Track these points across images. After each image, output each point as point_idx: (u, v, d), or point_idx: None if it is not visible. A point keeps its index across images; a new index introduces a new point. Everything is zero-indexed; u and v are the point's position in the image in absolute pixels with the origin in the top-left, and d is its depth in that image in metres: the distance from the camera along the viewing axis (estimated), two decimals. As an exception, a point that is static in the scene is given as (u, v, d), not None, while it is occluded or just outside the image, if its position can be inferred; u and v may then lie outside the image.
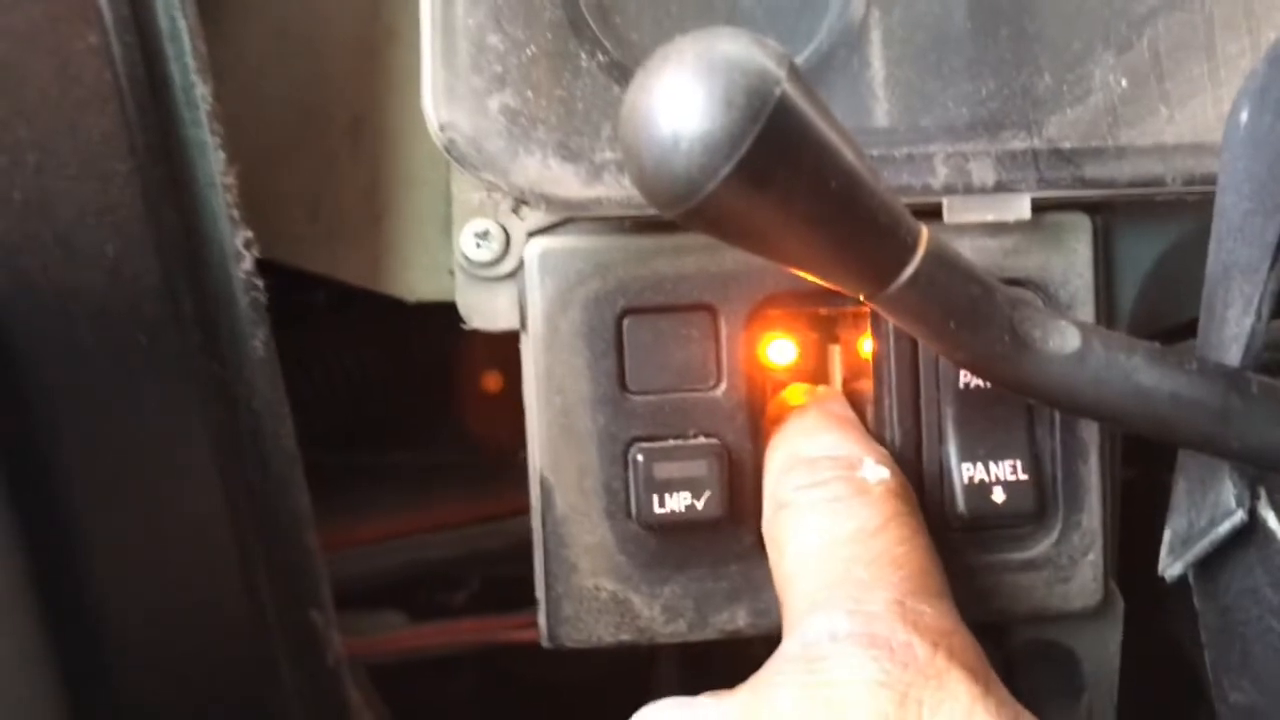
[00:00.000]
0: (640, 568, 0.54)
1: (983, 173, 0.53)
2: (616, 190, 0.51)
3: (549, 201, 0.52)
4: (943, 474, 0.54)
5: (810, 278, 0.44)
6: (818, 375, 0.56)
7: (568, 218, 0.53)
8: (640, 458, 0.53)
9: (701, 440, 0.53)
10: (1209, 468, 0.46)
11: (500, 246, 0.54)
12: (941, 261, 0.43)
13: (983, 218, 0.53)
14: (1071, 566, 0.56)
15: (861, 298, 0.44)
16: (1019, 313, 0.44)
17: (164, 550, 0.51)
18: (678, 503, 0.53)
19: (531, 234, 0.54)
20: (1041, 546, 0.56)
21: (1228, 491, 0.45)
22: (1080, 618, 0.57)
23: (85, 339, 0.48)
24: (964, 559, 0.55)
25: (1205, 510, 0.46)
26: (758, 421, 0.54)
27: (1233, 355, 0.44)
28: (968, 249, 0.51)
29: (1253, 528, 0.44)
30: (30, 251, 0.47)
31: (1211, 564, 0.47)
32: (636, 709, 0.49)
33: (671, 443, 0.53)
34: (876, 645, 0.44)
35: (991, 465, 0.54)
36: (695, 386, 0.54)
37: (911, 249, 0.43)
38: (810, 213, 0.41)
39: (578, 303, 0.53)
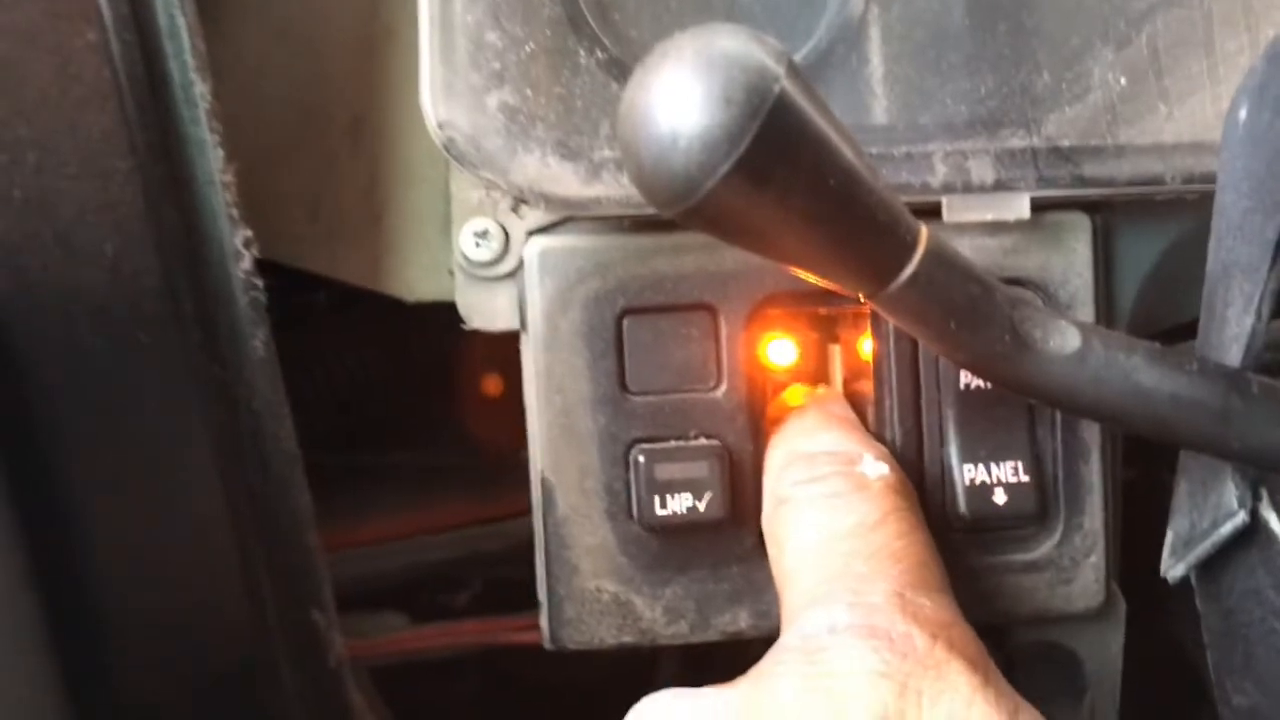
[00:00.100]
0: (642, 569, 0.54)
1: (982, 171, 0.53)
2: (616, 189, 0.51)
3: (548, 200, 0.51)
4: (944, 475, 0.54)
5: (810, 277, 0.44)
6: (818, 375, 0.56)
7: (567, 217, 0.53)
8: (641, 459, 0.53)
9: (702, 441, 0.53)
10: (1210, 469, 0.46)
11: (500, 246, 0.54)
12: (941, 261, 0.43)
13: (982, 217, 0.53)
14: (1073, 568, 0.55)
15: (861, 297, 0.44)
16: (1019, 312, 0.44)
17: (164, 550, 0.51)
18: (679, 504, 0.52)
19: (531, 233, 0.54)
20: (1043, 548, 0.55)
21: (1229, 492, 0.45)
22: (1082, 619, 0.57)
23: (85, 338, 0.48)
24: (966, 560, 0.55)
25: (1207, 511, 0.46)
26: (758, 422, 0.54)
27: (1233, 355, 0.44)
28: (967, 248, 0.51)
29: (1254, 529, 0.44)
30: (30, 250, 0.47)
31: (1213, 565, 0.46)
32: (637, 710, 0.49)
33: (672, 444, 0.53)
34: (876, 636, 0.44)
35: (993, 466, 0.54)
36: (695, 387, 0.53)
37: (911, 248, 0.42)
38: (809, 211, 0.40)
39: (577, 302, 0.53)
